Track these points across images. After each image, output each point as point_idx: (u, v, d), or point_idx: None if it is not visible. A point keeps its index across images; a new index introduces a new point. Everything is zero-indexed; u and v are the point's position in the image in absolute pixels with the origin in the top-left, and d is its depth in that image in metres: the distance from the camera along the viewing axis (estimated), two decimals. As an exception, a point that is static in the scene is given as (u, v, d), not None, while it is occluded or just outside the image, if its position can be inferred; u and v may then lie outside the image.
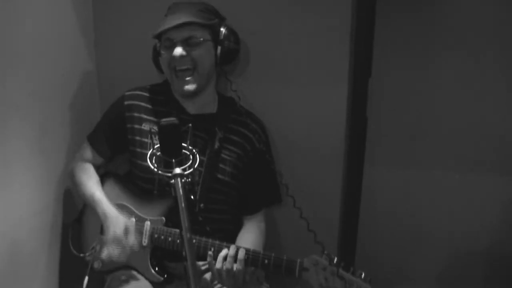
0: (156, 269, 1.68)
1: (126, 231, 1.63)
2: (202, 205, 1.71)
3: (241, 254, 1.55)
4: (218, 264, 1.55)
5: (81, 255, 1.74)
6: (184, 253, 1.20)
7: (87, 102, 2.01)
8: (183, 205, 1.21)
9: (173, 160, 1.26)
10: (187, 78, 1.67)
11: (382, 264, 2.11)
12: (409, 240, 2.09)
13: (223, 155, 1.74)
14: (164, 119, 1.26)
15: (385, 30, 1.89)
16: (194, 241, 1.59)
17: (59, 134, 1.82)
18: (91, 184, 1.76)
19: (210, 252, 1.57)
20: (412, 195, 2.05)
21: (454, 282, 2.09)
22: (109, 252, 1.70)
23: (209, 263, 1.57)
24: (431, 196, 2.03)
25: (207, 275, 1.71)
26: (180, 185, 1.22)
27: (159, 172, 1.27)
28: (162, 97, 1.78)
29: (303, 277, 1.53)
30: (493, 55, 1.86)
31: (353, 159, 2.00)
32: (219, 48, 1.70)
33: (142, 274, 1.69)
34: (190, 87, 1.68)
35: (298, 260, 1.54)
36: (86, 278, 1.63)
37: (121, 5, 1.97)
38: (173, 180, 1.23)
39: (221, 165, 1.74)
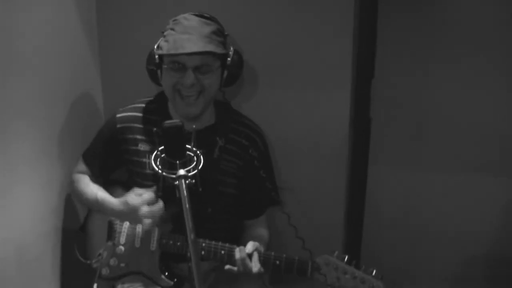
0: (166, 273, 1.68)
1: (141, 201, 1.59)
2: (210, 209, 1.71)
3: (255, 256, 1.56)
4: (240, 268, 1.56)
5: (88, 262, 1.74)
6: (188, 254, 1.21)
7: (92, 106, 2.02)
8: (187, 206, 1.22)
9: (177, 162, 1.27)
10: (192, 102, 1.62)
11: (387, 264, 2.10)
12: (413, 240, 2.10)
13: (222, 167, 1.72)
14: (167, 121, 1.27)
15: (387, 31, 1.89)
16: (203, 244, 1.60)
17: (64, 138, 1.83)
18: (91, 188, 1.75)
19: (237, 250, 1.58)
20: (416, 196, 2.05)
21: (458, 282, 2.09)
22: (117, 258, 1.70)
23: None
24: (435, 197, 2.03)
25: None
26: (184, 186, 1.23)
27: (163, 173, 1.27)
28: (156, 117, 1.72)
29: (315, 277, 1.54)
30: (496, 56, 1.86)
31: (357, 160, 2.00)
32: (225, 72, 1.66)
33: (152, 279, 1.69)
34: (195, 110, 1.64)
35: (310, 261, 1.54)
36: (95, 286, 1.63)
37: (125, 9, 1.97)
38: (177, 182, 1.24)
39: (221, 177, 1.72)
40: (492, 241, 2.01)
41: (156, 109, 1.74)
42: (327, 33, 1.84)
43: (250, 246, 1.57)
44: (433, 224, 2.05)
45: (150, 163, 1.34)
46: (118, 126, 1.73)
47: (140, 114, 1.74)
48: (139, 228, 1.66)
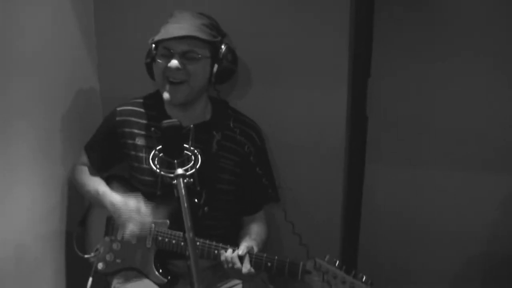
0: (160, 271, 1.69)
1: (138, 208, 1.62)
2: (206, 208, 1.72)
3: (247, 258, 1.56)
4: (228, 265, 1.56)
5: (85, 256, 1.76)
6: (187, 252, 1.21)
7: (90, 106, 2.03)
8: (185, 205, 1.22)
9: (175, 161, 1.28)
10: (178, 88, 1.64)
11: (384, 263, 2.12)
12: (411, 239, 2.10)
13: (221, 164, 1.74)
14: (165, 121, 1.28)
15: (384, 30, 1.90)
16: (198, 243, 1.61)
17: (63, 138, 1.83)
18: (93, 181, 1.77)
19: (222, 252, 1.58)
20: (413, 194, 2.06)
21: (457, 280, 2.10)
22: (113, 253, 1.71)
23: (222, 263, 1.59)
24: (432, 195, 2.04)
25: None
26: (182, 185, 1.24)
27: (162, 173, 1.28)
28: (154, 112, 1.75)
29: (305, 280, 1.55)
30: (493, 53, 1.86)
31: (354, 158, 2.01)
32: (215, 66, 1.67)
33: (146, 276, 1.70)
34: (180, 97, 1.66)
35: (301, 263, 1.54)
36: (90, 279, 1.64)
37: (122, 8, 1.98)
38: (175, 181, 1.25)
39: (219, 175, 1.74)
40: (491, 240, 2.02)
41: (154, 104, 1.77)
42: (323, 32, 1.84)
43: (242, 247, 1.58)
44: (431, 223, 2.06)
45: (147, 158, 1.36)
46: (118, 119, 1.76)
47: (138, 109, 1.77)
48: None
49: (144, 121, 1.74)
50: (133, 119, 1.75)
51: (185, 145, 1.31)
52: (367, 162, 2.04)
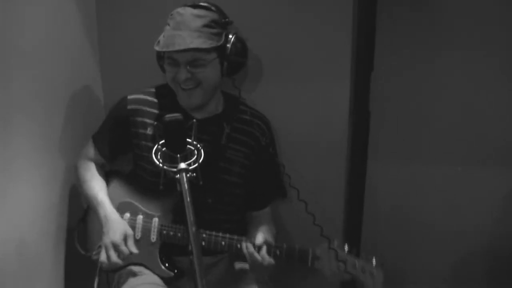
0: (166, 265, 1.69)
1: (125, 238, 1.62)
2: (210, 200, 1.71)
3: (264, 249, 1.58)
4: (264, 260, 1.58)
5: (88, 254, 1.75)
6: (190, 247, 1.21)
7: (92, 102, 2.02)
8: (188, 199, 1.22)
9: (178, 155, 1.27)
10: (192, 93, 1.65)
11: (386, 260, 2.11)
12: (413, 236, 2.10)
13: (230, 156, 1.73)
14: (168, 115, 1.27)
15: (387, 24, 1.89)
16: (204, 235, 1.61)
17: (64, 133, 1.83)
18: (95, 183, 1.76)
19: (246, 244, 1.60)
20: (416, 190, 2.06)
21: (458, 277, 2.10)
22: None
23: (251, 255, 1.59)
24: (434, 191, 2.03)
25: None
26: (185, 179, 1.23)
27: (165, 167, 1.27)
28: (167, 102, 1.74)
29: (315, 266, 1.55)
30: (496, 49, 1.86)
31: (356, 154, 2.00)
32: (225, 63, 1.66)
33: (152, 271, 1.69)
34: (195, 101, 1.67)
35: (310, 249, 1.55)
36: (97, 279, 1.64)
37: (124, 4, 1.97)
38: (178, 175, 1.24)
39: (228, 166, 1.74)
40: (492, 236, 2.01)
41: (166, 94, 1.75)
42: (326, 26, 1.84)
43: (260, 237, 1.58)
44: (433, 220, 2.06)
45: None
46: (129, 107, 1.74)
47: (150, 98, 1.75)
48: (139, 220, 1.66)
49: (156, 111, 1.73)
50: (145, 108, 1.74)
51: (188, 139, 1.31)
52: (369, 158, 2.03)
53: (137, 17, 1.96)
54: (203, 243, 1.61)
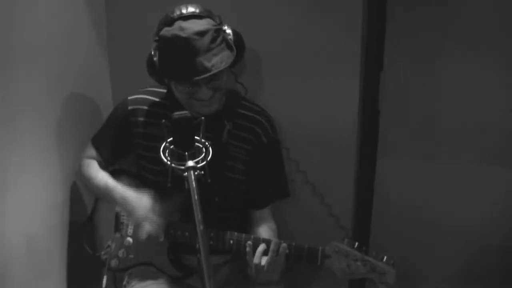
0: (175, 264, 1.69)
1: (154, 207, 1.60)
2: (216, 199, 1.71)
3: (282, 249, 1.54)
4: (257, 260, 1.54)
5: (97, 254, 1.74)
6: (197, 245, 1.21)
7: (100, 98, 2.03)
8: (196, 197, 1.22)
9: (186, 153, 1.27)
10: (209, 103, 1.60)
11: (396, 257, 2.10)
12: (423, 233, 2.09)
13: (232, 153, 1.71)
14: (176, 113, 1.27)
15: (396, 23, 1.88)
16: (212, 234, 1.60)
17: (72, 130, 1.83)
18: (101, 175, 1.74)
19: (249, 243, 1.56)
20: (425, 189, 2.04)
21: (469, 276, 2.08)
22: (126, 249, 1.70)
23: (247, 254, 1.56)
24: (444, 190, 2.02)
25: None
26: (193, 177, 1.23)
27: (172, 165, 1.27)
28: (167, 101, 1.72)
29: (325, 265, 1.53)
30: (507, 49, 1.83)
31: (365, 152, 1.99)
32: (233, 62, 1.60)
33: (161, 270, 1.69)
34: (215, 107, 1.63)
35: (320, 248, 1.53)
36: (105, 278, 1.63)
37: (133, 1, 1.97)
38: (186, 173, 1.24)
39: (231, 163, 1.72)
40: (503, 234, 1.99)
41: (168, 94, 1.72)
42: (336, 25, 1.83)
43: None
44: (442, 217, 2.04)
45: (159, 147, 1.34)
46: (130, 108, 1.72)
47: (152, 98, 1.73)
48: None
49: (158, 111, 1.71)
50: (146, 108, 1.72)
51: (196, 137, 1.30)
52: (379, 156, 2.02)
53: (146, 14, 1.95)
54: (211, 242, 1.60)
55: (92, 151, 1.79)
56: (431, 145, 2.00)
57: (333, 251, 1.52)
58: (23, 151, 1.55)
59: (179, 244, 1.67)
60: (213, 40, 1.50)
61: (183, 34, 1.47)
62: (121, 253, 1.70)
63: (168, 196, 1.64)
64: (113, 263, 1.70)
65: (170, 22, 1.52)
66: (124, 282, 1.74)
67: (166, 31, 1.51)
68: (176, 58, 1.50)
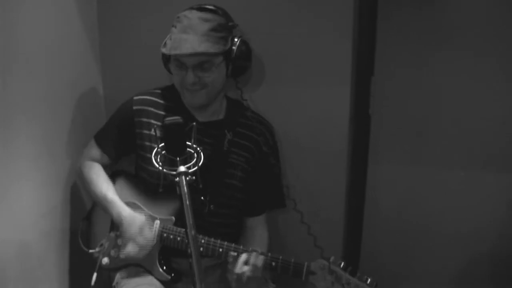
0: (164, 268, 1.69)
1: (141, 229, 1.65)
2: (212, 206, 1.72)
3: (260, 261, 1.56)
4: (238, 270, 1.56)
5: (90, 251, 1.75)
6: (189, 250, 1.21)
7: (93, 103, 2.03)
8: (187, 202, 1.22)
9: (178, 159, 1.27)
10: (197, 94, 1.67)
11: (387, 263, 2.11)
12: (414, 239, 2.09)
13: (231, 160, 1.74)
14: (168, 118, 1.27)
15: (387, 28, 1.89)
16: (203, 241, 1.61)
17: (66, 135, 1.84)
18: (101, 182, 1.76)
19: (233, 254, 1.58)
20: (417, 194, 2.05)
21: (460, 281, 2.08)
22: (118, 249, 1.71)
23: (229, 264, 1.59)
24: (436, 195, 2.03)
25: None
26: (184, 183, 1.23)
27: (164, 170, 1.28)
28: (172, 104, 1.76)
29: (310, 280, 1.55)
30: (496, 53, 1.85)
31: (357, 158, 2.00)
32: (230, 66, 1.69)
33: (150, 272, 1.70)
34: (199, 101, 1.69)
35: (306, 264, 1.55)
36: (95, 275, 1.64)
37: (126, 5, 1.98)
38: (177, 178, 1.25)
39: (230, 170, 1.74)
40: (494, 240, 2.00)
41: (172, 96, 1.77)
42: (327, 30, 1.84)
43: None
44: (434, 223, 2.05)
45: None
46: (135, 108, 1.75)
47: (156, 99, 1.77)
48: (145, 220, 1.67)
49: (162, 112, 1.74)
50: (151, 109, 1.75)
51: (188, 142, 1.31)
52: (370, 161, 2.03)
53: (138, 19, 1.97)
54: (201, 249, 1.61)
55: (95, 149, 1.82)
56: (423, 150, 2.01)
57: (318, 268, 1.53)
58: (16, 156, 1.55)
59: (170, 249, 1.68)
60: (212, 29, 1.60)
61: (189, 15, 1.62)
62: (113, 252, 1.72)
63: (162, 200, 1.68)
64: (104, 261, 1.71)
65: (188, 9, 1.65)
66: (114, 283, 1.75)
67: (181, 13, 1.64)
68: (176, 34, 1.61)
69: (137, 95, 1.78)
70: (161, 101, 1.77)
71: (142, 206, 1.73)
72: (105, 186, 1.75)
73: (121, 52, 2.02)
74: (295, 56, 1.89)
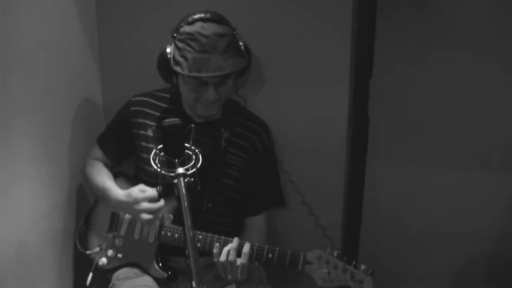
0: (160, 265, 1.70)
1: (135, 199, 1.60)
2: (210, 204, 1.73)
3: (246, 248, 1.58)
4: (223, 257, 1.57)
5: (87, 252, 1.76)
6: (187, 252, 1.22)
7: (92, 104, 2.03)
8: (186, 204, 1.23)
9: (176, 160, 1.28)
10: (210, 107, 1.67)
11: (385, 262, 2.12)
12: (412, 239, 2.10)
13: (228, 160, 1.75)
14: (166, 120, 1.28)
15: (386, 29, 1.89)
16: (200, 236, 1.62)
17: (65, 135, 1.84)
18: (101, 175, 1.78)
19: (217, 244, 1.59)
20: (414, 194, 2.06)
21: (459, 281, 2.09)
22: (115, 249, 1.72)
23: (214, 255, 1.59)
24: (434, 195, 2.04)
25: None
26: (183, 184, 1.24)
27: (162, 172, 1.28)
28: (169, 105, 1.77)
29: (306, 270, 1.56)
30: (495, 53, 1.86)
31: (355, 159, 2.01)
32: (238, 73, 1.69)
33: (146, 271, 1.71)
34: (213, 112, 1.70)
35: (302, 254, 1.56)
36: (90, 275, 1.65)
37: (124, 7, 1.97)
38: (176, 180, 1.25)
39: (226, 170, 1.75)
40: (493, 240, 2.01)
41: (171, 98, 1.78)
42: (326, 32, 1.84)
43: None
44: (432, 223, 2.06)
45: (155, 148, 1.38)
46: (132, 109, 1.77)
47: (154, 101, 1.78)
48: (139, 220, 1.67)
49: (158, 114, 1.75)
50: (147, 110, 1.76)
51: (186, 144, 1.32)
52: (368, 162, 2.04)
53: (137, 20, 1.97)
54: (198, 245, 1.62)
55: (98, 151, 1.85)
56: (422, 150, 2.01)
57: (315, 257, 1.55)
58: (15, 156, 1.55)
59: (168, 248, 1.69)
60: (229, 44, 1.58)
61: (205, 32, 1.55)
62: (110, 252, 1.72)
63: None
64: (101, 261, 1.72)
65: (191, 22, 1.59)
66: (111, 284, 1.75)
67: (188, 28, 1.57)
68: (194, 54, 1.55)
69: (135, 96, 1.80)
70: (158, 103, 1.78)
71: None
72: (105, 177, 1.76)
73: (120, 52, 2.02)
74: (294, 56, 1.89)
